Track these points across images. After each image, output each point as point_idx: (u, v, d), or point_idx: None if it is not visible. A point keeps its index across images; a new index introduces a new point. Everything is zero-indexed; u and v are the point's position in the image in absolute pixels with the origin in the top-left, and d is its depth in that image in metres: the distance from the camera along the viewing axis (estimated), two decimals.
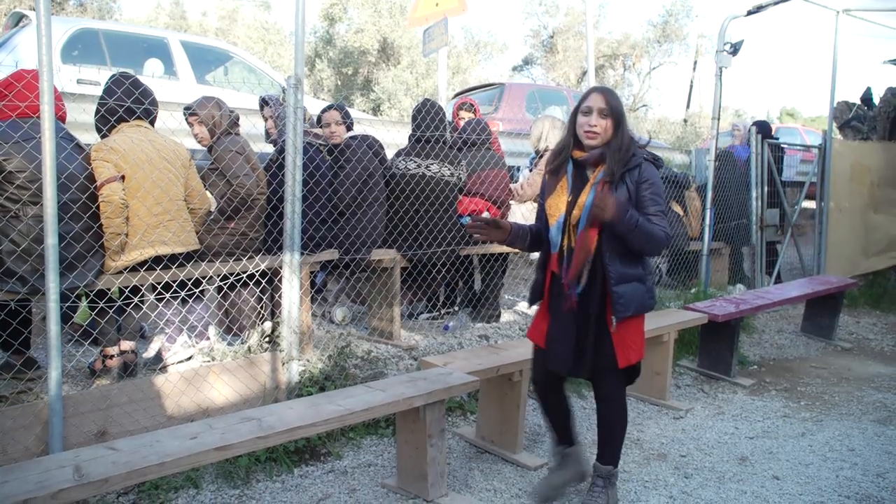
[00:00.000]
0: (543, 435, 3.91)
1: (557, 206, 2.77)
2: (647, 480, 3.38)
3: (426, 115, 4.86)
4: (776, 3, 6.34)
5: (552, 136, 5.62)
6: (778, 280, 7.47)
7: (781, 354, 5.93)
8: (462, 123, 5.76)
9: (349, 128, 4.90)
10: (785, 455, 3.73)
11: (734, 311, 4.94)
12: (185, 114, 4.16)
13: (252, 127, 4.62)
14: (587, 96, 2.74)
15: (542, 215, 2.89)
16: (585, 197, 2.69)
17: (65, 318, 3.31)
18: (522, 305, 5.91)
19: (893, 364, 5.79)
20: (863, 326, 6.99)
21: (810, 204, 8.81)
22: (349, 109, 5.24)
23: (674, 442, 3.89)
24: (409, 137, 4.98)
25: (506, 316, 5.63)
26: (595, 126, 2.69)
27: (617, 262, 2.71)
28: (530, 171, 5.90)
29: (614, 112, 2.71)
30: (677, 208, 6.87)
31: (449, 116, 6.70)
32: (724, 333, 5.06)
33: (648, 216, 2.69)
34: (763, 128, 7.28)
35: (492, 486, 3.27)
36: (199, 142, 4.19)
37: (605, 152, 2.70)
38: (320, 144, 4.60)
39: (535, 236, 2.95)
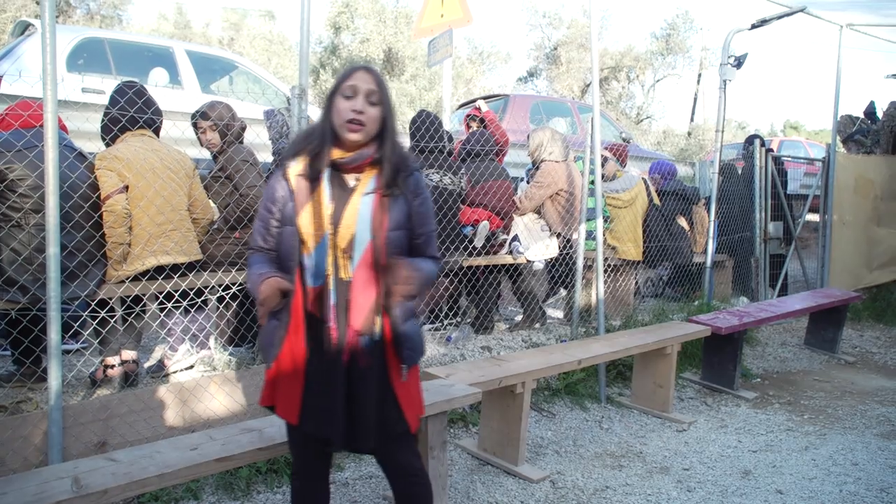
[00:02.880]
0: (546, 447, 3.89)
1: (318, 222, 2.02)
2: (649, 494, 3.36)
3: (421, 125, 4.86)
4: (780, 17, 6.35)
5: (552, 148, 5.62)
6: (782, 293, 7.46)
7: (785, 367, 5.91)
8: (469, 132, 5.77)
9: None
10: (788, 469, 3.71)
11: (737, 324, 4.92)
12: (192, 121, 4.15)
13: (255, 137, 4.62)
14: (351, 74, 2.04)
15: (288, 237, 2.06)
16: (356, 212, 2.02)
17: (66, 327, 3.29)
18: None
19: None
20: (866, 340, 6.96)
21: (814, 217, 8.80)
22: None
23: (676, 455, 3.87)
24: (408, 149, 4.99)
25: (503, 327, 5.62)
26: (362, 114, 1.99)
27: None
28: (528, 182, 5.90)
29: (385, 100, 2.05)
30: (683, 222, 6.86)
31: (458, 125, 6.70)
32: (728, 346, 5.04)
33: (419, 240, 2.15)
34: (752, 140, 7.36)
35: (494, 498, 3.25)
36: (208, 148, 4.18)
37: (379, 155, 2.05)
38: None
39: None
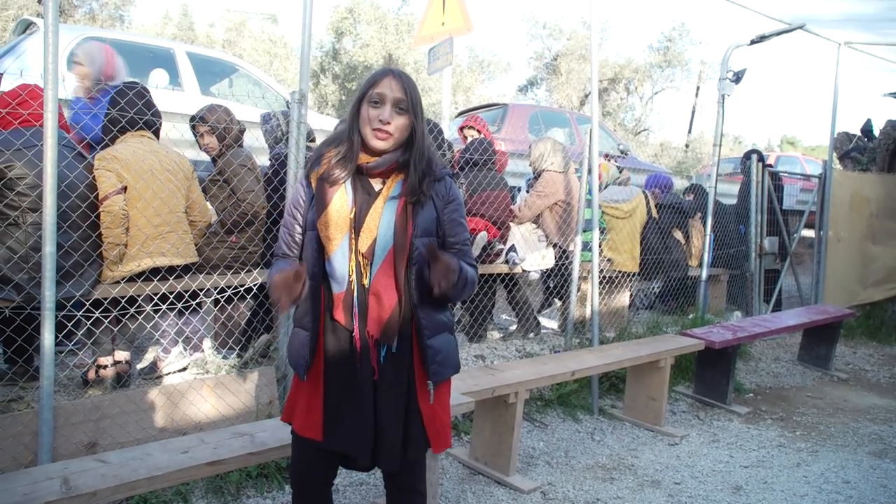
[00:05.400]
0: (537, 458, 3.89)
1: (337, 224, 1.96)
2: None
3: None
4: (779, 34, 6.38)
5: (553, 159, 5.63)
6: (776, 308, 7.47)
7: (778, 383, 5.91)
8: (467, 142, 5.78)
9: None
10: (780, 485, 3.71)
11: (731, 339, 4.93)
12: (191, 124, 4.15)
13: (255, 140, 4.62)
14: (378, 80, 1.97)
15: (309, 242, 2.03)
16: (378, 216, 1.97)
17: (60, 327, 3.28)
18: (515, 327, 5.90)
19: (889, 396, 5.77)
20: (859, 357, 6.98)
21: (809, 233, 8.83)
22: None
23: (668, 469, 3.87)
24: None
25: (497, 336, 5.61)
26: (388, 124, 1.94)
27: (427, 307, 2.02)
28: (528, 191, 5.91)
29: (414, 106, 1.98)
30: (679, 235, 6.88)
31: (454, 134, 6.72)
32: (721, 360, 5.04)
33: (457, 248, 2.08)
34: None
35: None
36: (207, 151, 4.18)
37: (405, 159, 2.00)
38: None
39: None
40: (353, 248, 1.96)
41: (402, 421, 2.00)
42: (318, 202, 1.99)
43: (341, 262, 1.96)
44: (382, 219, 1.96)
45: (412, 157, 1.99)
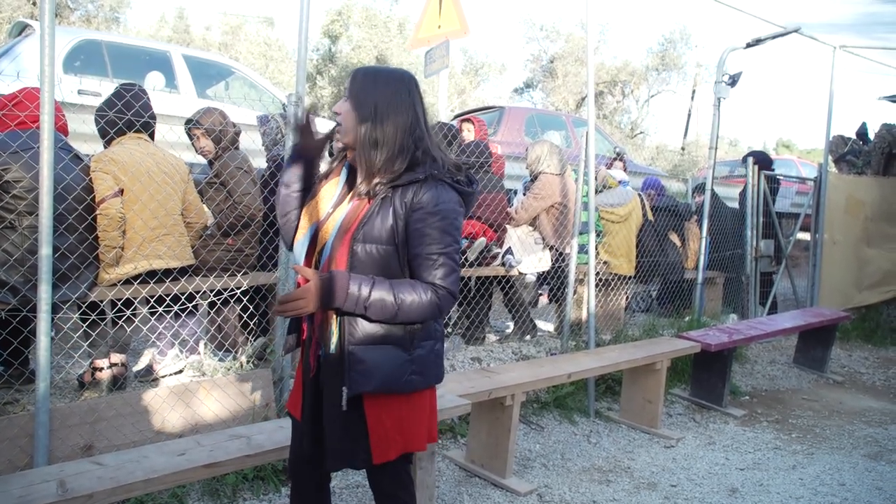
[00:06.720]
0: (534, 460, 3.89)
1: (312, 213, 1.95)
2: None
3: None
4: (775, 37, 6.40)
5: (549, 161, 5.64)
6: (772, 311, 7.48)
7: (773, 385, 5.92)
8: (467, 137, 5.80)
9: None
10: (775, 488, 3.72)
11: (727, 341, 4.94)
12: (187, 127, 4.15)
13: (251, 143, 4.62)
14: None
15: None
16: (338, 217, 1.91)
17: (56, 329, 3.28)
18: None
19: (884, 398, 5.79)
20: (855, 360, 7.00)
21: (805, 235, 8.85)
22: None
23: (664, 471, 3.87)
24: None
25: (494, 338, 5.62)
26: (338, 114, 1.91)
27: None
28: (525, 194, 5.92)
29: (355, 97, 1.88)
30: (675, 238, 6.89)
31: None
32: (717, 363, 5.05)
33: (413, 262, 1.86)
34: (763, 159, 7.36)
35: None
36: (202, 154, 4.18)
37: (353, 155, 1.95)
38: None
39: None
40: (316, 240, 1.95)
41: (343, 423, 1.89)
42: (314, 190, 2.01)
43: (300, 250, 1.96)
44: (338, 220, 1.91)
45: (358, 151, 1.90)
